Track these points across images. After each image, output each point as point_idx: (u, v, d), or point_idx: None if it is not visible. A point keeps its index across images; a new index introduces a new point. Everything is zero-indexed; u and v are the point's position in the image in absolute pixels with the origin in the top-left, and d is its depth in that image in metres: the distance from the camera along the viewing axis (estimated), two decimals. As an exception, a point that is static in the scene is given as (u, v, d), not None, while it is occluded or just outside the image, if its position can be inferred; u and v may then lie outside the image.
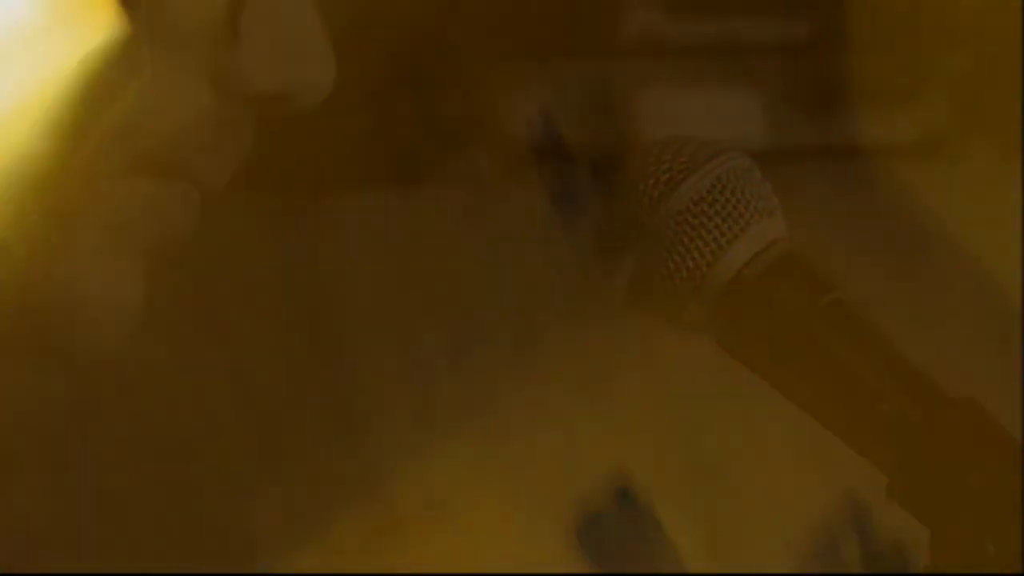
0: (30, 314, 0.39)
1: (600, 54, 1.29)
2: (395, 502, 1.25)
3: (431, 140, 1.23)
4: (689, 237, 0.50)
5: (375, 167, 1.23)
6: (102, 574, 1.17)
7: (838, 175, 1.30)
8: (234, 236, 1.19)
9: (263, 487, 1.23)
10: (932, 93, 1.27)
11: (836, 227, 1.26)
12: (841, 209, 1.28)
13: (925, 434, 0.49)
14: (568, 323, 1.30)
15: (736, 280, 0.50)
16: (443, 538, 1.24)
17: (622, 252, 0.50)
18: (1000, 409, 0.48)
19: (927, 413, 0.49)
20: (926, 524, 0.50)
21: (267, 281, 1.21)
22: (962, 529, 0.49)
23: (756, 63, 1.29)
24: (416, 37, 1.20)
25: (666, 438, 1.25)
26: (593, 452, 1.26)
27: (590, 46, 1.29)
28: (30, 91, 0.37)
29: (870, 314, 0.50)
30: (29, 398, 1.07)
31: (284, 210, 1.21)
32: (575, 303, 1.30)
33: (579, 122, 1.24)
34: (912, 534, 1.24)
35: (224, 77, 0.39)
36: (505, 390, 1.28)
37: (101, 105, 0.37)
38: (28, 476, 1.16)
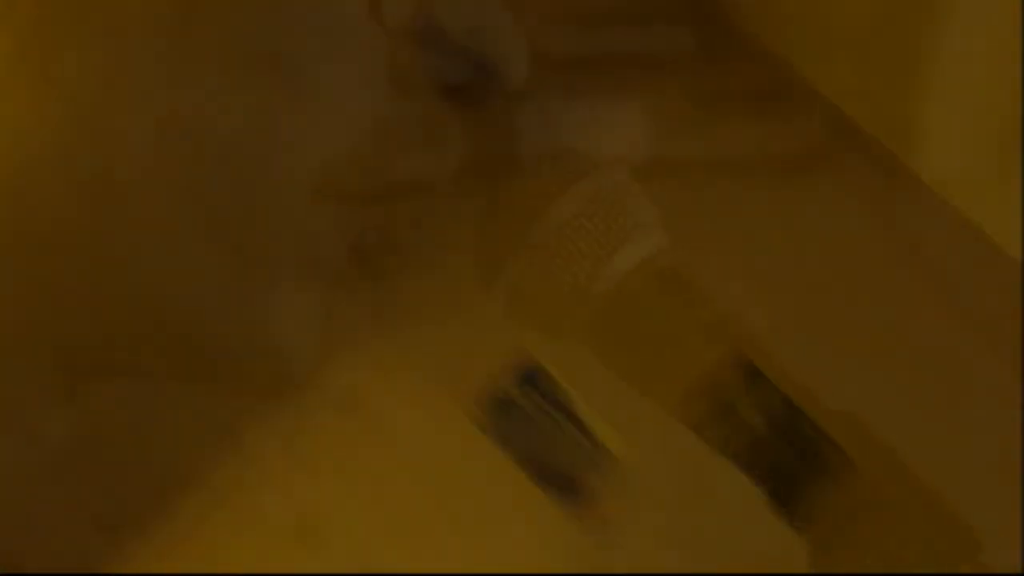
0: None
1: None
2: (306, 404, 1.27)
3: (317, 40, 1.22)
4: (569, 250, 0.51)
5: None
6: (101, 574, 1.17)
7: (721, 187, 1.29)
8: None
9: (177, 400, 1.24)
10: (811, 105, 1.27)
11: (718, 240, 1.27)
12: (724, 223, 1.27)
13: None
14: (467, 216, 1.30)
15: (617, 292, 0.51)
16: (358, 434, 1.25)
17: (504, 264, 0.51)
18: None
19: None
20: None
21: (173, 187, 1.20)
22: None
23: (638, 74, 1.28)
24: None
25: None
26: (499, 338, 1.27)
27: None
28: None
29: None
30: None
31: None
32: (473, 197, 1.31)
33: (461, 13, 1.24)
34: (803, 389, 1.27)
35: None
36: (407, 284, 1.29)
37: None
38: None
